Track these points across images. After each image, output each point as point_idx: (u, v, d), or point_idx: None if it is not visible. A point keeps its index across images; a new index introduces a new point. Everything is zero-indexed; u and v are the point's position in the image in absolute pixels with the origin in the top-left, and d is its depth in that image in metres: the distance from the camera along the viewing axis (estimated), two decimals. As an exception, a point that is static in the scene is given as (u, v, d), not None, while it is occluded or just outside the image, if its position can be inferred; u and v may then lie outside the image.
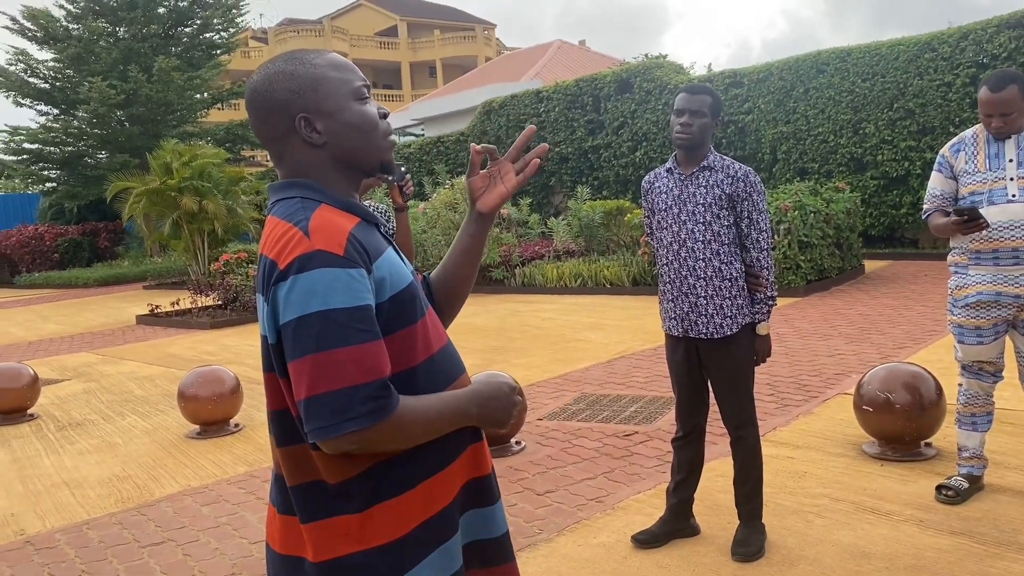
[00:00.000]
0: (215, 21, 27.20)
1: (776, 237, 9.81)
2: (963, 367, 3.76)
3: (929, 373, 4.32)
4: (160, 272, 20.91)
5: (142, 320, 13.12)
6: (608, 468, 4.49)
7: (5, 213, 28.25)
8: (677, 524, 3.49)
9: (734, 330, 3.20)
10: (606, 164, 16.89)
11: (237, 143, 27.54)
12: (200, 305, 13.16)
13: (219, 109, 30.66)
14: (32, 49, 26.24)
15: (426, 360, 1.49)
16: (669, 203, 3.26)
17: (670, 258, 3.27)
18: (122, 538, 4.09)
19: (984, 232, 3.47)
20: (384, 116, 1.55)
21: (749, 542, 3.30)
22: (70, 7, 25.91)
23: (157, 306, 13.18)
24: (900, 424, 4.19)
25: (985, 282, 3.56)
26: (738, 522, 3.41)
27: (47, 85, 26.19)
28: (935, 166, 3.72)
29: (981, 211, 3.38)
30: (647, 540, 3.46)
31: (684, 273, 3.23)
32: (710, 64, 17.42)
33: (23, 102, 26.18)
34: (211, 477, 4.97)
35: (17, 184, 33.55)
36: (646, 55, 20.14)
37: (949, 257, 3.76)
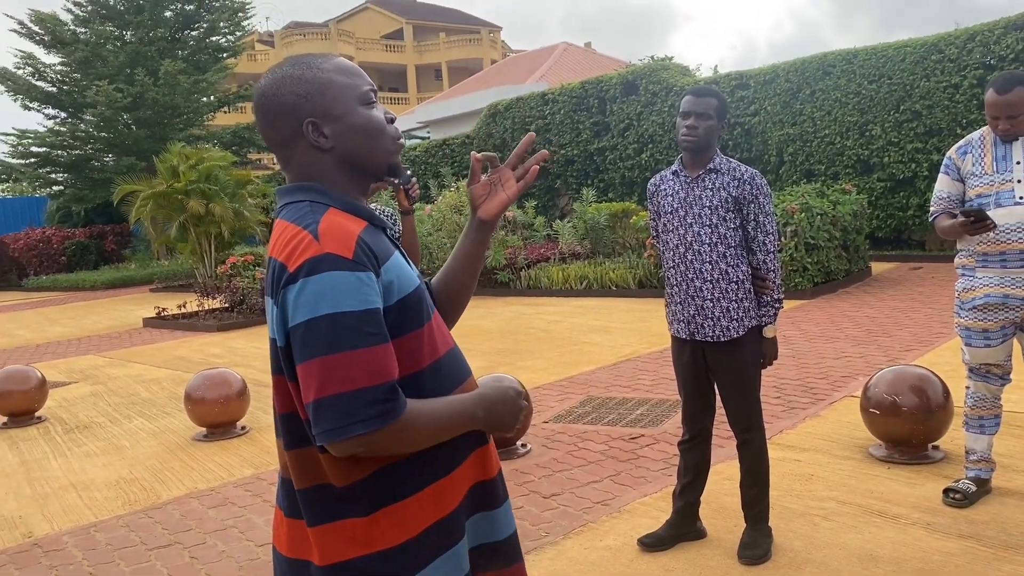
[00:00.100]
0: (221, 24, 27.30)
1: (783, 239, 9.79)
2: (970, 370, 3.74)
3: (936, 376, 4.31)
4: (167, 275, 20.97)
5: (149, 323, 13.16)
6: (614, 471, 4.49)
7: (13, 216, 28.37)
8: (683, 527, 3.49)
9: (740, 333, 3.19)
10: (612, 166, 16.88)
11: (244, 146, 27.61)
12: (207, 308, 13.19)
13: (226, 112, 30.75)
14: (39, 53, 26.33)
15: (433, 363, 1.49)
16: (675, 206, 3.26)
17: (676, 261, 3.27)
18: (129, 540, 4.10)
19: (991, 234, 3.47)
20: (391, 121, 1.56)
21: (756, 545, 3.30)
22: (77, 11, 26.03)
23: (164, 309, 13.22)
24: (907, 427, 4.18)
25: (993, 284, 3.55)
26: (744, 525, 3.40)
27: (54, 89, 26.33)
28: (942, 168, 3.71)
29: (988, 213, 3.38)
30: (653, 543, 3.45)
31: (690, 276, 3.23)
32: (716, 66, 17.37)
33: (31, 106, 26.32)
34: (218, 480, 4.98)
35: (25, 187, 33.67)
36: (652, 57, 20.13)
37: (956, 259, 3.75)
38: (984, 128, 3.62)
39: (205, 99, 27.04)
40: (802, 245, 9.94)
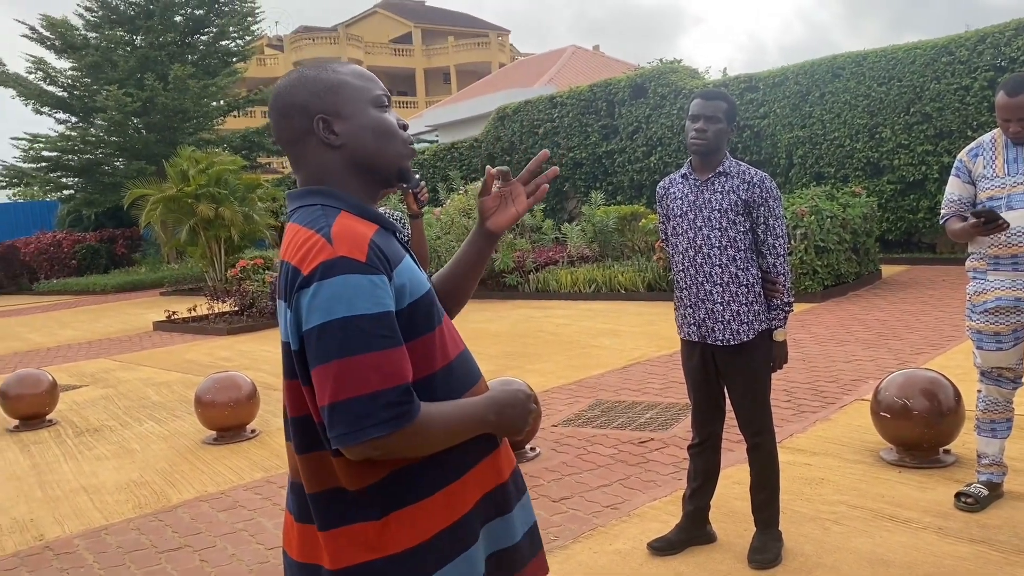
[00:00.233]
0: (231, 29, 27.42)
1: (793, 242, 9.77)
2: (982, 373, 3.72)
3: (947, 379, 4.29)
4: (177, 278, 21.05)
5: (159, 326, 13.21)
6: (624, 475, 4.48)
7: (24, 220, 28.56)
8: (693, 531, 3.48)
9: (751, 336, 3.18)
10: (620, 169, 16.87)
11: (253, 150, 27.72)
12: (217, 311, 13.23)
13: (235, 116, 30.89)
14: (50, 58, 26.53)
15: (444, 367, 1.50)
16: (684, 209, 3.26)
17: (686, 264, 3.27)
18: (140, 543, 4.12)
19: (1003, 237, 3.45)
20: (403, 128, 1.57)
21: (766, 549, 3.29)
22: (89, 16, 26.19)
23: (174, 312, 13.27)
24: (918, 431, 4.16)
25: (1004, 287, 3.53)
26: (755, 529, 3.39)
27: (65, 93, 26.50)
28: (953, 171, 3.70)
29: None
30: (663, 547, 3.44)
31: (700, 279, 3.22)
32: (725, 68, 17.45)
33: (42, 110, 26.49)
34: (228, 483, 4.99)
35: (36, 192, 33.92)
36: (660, 60, 20.16)
37: (968, 262, 3.73)
38: (995, 130, 3.61)
39: (215, 103, 27.17)
40: (812, 248, 9.91)
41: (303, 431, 1.45)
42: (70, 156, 26.19)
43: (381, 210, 1.64)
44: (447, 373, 1.50)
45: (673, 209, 3.31)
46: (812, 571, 3.19)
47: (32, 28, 25.98)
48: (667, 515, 3.81)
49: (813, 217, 9.95)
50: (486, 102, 23.40)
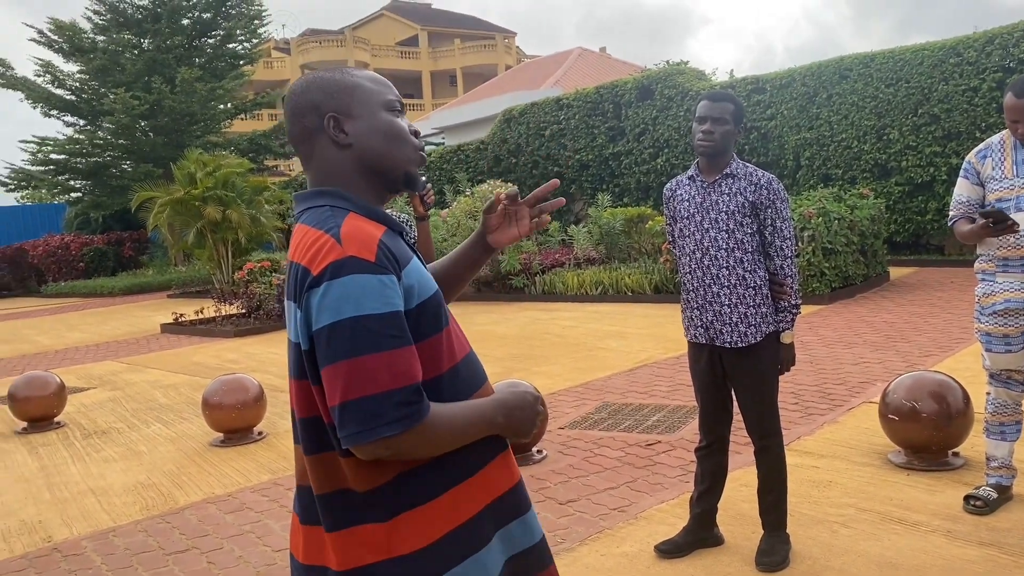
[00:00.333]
0: (238, 32, 27.52)
1: (800, 244, 9.74)
2: (991, 376, 3.71)
3: (956, 382, 4.27)
4: (184, 281, 21.12)
5: (166, 329, 13.24)
6: (631, 477, 4.47)
7: (32, 223, 28.70)
8: (701, 534, 3.47)
9: (758, 339, 3.17)
10: (627, 171, 16.86)
11: (261, 153, 27.79)
12: (224, 314, 13.27)
13: (242, 119, 30.98)
14: (58, 61, 26.62)
15: (451, 368, 1.50)
16: (691, 211, 3.25)
17: (693, 266, 3.26)
18: (147, 545, 4.13)
19: (1012, 239, 3.43)
20: (415, 134, 1.58)
21: (774, 552, 3.28)
22: (96, 19, 26.30)
23: (181, 315, 13.30)
24: (927, 433, 4.14)
25: (1013, 289, 3.51)
26: (762, 532, 3.38)
27: (73, 97, 26.62)
28: (961, 172, 3.68)
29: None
30: (670, 550, 3.44)
31: (707, 281, 3.22)
32: (732, 70, 17.42)
33: (51, 113, 26.61)
34: (235, 485, 5.00)
35: (44, 194, 34.07)
36: (667, 62, 20.13)
37: (976, 264, 3.71)
38: (1004, 132, 3.59)
39: (222, 106, 27.24)
40: (820, 250, 9.88)
41: (311, 432, 1.45)
42: (78, 159, 26.31)
43: (387, 211, 1.65)
44: (453, 375, 1.50)
45: (680, 211, 3.30)
46: (820, 574, 3.18)
47: (40, 32, 26.11)
48: (674, 518, 3.80)
49: (821, 219, 9.93)
50: (492, 104, 23.43)
